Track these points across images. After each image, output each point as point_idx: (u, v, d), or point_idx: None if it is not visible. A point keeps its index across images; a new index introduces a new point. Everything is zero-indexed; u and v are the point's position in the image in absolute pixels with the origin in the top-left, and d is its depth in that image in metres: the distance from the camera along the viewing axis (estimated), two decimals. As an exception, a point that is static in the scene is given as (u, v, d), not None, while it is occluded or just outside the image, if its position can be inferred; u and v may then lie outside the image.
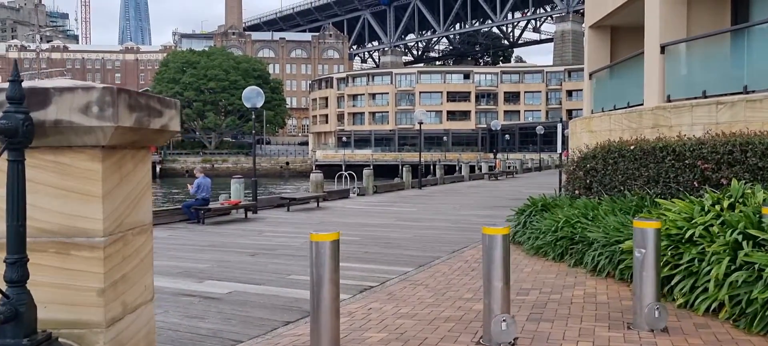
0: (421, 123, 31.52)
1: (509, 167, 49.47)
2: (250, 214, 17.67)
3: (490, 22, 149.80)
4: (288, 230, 14.70)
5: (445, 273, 9.00)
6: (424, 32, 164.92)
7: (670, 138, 9.73)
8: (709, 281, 6.04)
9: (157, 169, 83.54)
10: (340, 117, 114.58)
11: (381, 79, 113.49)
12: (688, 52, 12.42)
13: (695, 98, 11.07)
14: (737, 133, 8.56)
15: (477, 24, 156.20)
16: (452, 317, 6.32)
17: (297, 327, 6.25)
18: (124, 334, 3.06)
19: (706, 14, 12.85)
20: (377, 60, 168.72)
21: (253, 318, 6.70)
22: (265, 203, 20.33)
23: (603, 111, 14.98)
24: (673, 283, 6.53)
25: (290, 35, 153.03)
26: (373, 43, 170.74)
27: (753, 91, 9.91)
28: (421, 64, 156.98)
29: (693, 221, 6.81)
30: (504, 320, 5.12)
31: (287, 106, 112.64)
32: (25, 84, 2.72)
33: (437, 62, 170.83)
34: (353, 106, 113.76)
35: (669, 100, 11.85)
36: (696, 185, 8.62)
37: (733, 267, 5.85)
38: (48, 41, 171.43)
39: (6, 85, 2.53)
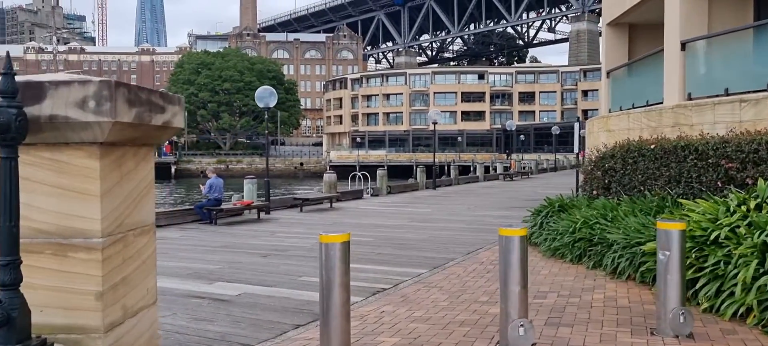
0: (435, 123, 31.30)
1: (524, 168, 49.10)
2: (262, 214, 17.55)
3: (504, 22, 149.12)
4: (300, 231, 14.55)
5: (459, 275, 8.79)
6: (438, 33, 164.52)
7: (691, 137, 9.45)
8: (736, 284, 5.79)
9: (173, 169, 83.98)
10: (355, 118, 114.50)
11: (395, 80, 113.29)
12: (710, 49, 12.12)
13: (717, 96, 10.77)
14: (762, 131, 8.27)
15: (492, 24, 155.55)
16: (467, 321, 6.11)
17: (307, 331, 6.08)
18: (125, 339, 2.91)
19: (728, 10, 12.54)
20: (391, 61, 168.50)
21: (263, 321, 6.53)
22: (277, 203, 20.21)
23: (621, 110, 14.68)
24: (697, 286, 6.28)
25: (304, 36, 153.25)
26: (387, 43, 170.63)
27: (778, 89, 9.61)
28: (436, 65, 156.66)
29: (718, 223, 6.56)
30: (522, 325, 4.92)
31: (301, 107, 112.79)
32: (20, 78, 2.59)
33: (451, 63, 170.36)
34: (367, 106, 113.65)
35: (690, 99, 11.55)
36: (720, 185, 8.34)
37: (761, 270, 5.61)
38: (65, 43, 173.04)
39: (-2, 78, 2.38)
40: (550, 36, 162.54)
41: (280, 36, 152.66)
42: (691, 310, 5.63)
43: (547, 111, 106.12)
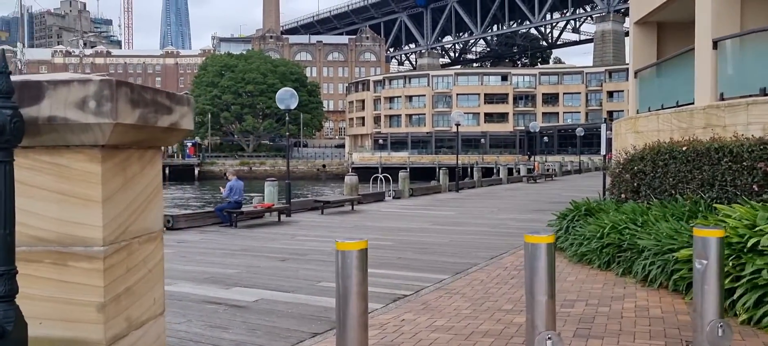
0: (458, 125, 30.98)
1: (548, 170, 48.49)
2: (283, 217, 17.41)
3: (528, 23, 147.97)
4: (320, 234, 14.37)
5: (483, 281, 8.53)
6: (461, 34, 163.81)
7: (725, 138, 9.08)
8: (777, 295, 5.46)
9: (196, 171, 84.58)
10: (377, 119, 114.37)
11: (418, 82, 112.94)
12: (743, 47, 11.69)
13: (751, 96, 10.36)
14: (802, 132, 7.90)
15: (515, 25, 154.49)
16: (491, 331, 5.85)
17: (325, 340, 5.86)
18: (130, 352, 2.73)
19: (761, 7, 12.11)
20: (414, 62, 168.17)
21: (280, 329, 6.33)
22: (298, 206, 20.08)
23: (649, 111, 14.29)
24: (735, 297, 5.95)
25: (327, 38, 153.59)
26: (409, 45, 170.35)
27: (817, 88, 9.19)
28: (458, 66, 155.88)
29: (756, 229, 6.21)
30: (549, 338, 4.65)
31: (324, 109, 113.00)
32: (18, 77, 2.43)
33: (474, 64, 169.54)
34: (390, 108, 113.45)
35: (722, 99, 11.15)
36: (756, 189, 7.98)
37: (805, 280, 5.27)
38: (92, 46, 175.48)
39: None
40: (575, 36, 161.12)
41: (303, 38, 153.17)
42: (729, 322, 5.31)
43: (571, 112, 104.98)
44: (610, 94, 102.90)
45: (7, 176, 2.26)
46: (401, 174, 26.82)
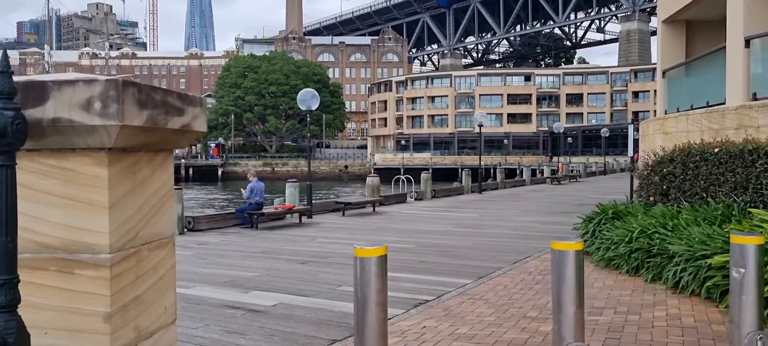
0: (481, 126, 30.69)
1: (572, 171, 47.90)
2: (304, 219, 17.30)
3: (551, 23, 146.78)
4: (342, 237, 14.23)
5: (506, 286, 8.30)
6: (483, 34, 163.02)
7: (759, 139, 8.75)
8: (819, 305, 5.17)
9: (220, 172, 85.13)
10: (399, 120, 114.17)
11: (440, 82, 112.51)
12: (776, 45, 11.31)
13: (786, 96, 10.02)
14: (842, 133, 7.56)
15: (538, 25, 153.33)
16: (516, 340, 5.64)
17: (343, 347, 5.70)
18: (139, 363, 2.60)
19: (796, 4, 11.70)
20: (436, 63, 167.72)
21: (297, 335, 6.18)
22: (319, 207, 19.96)
23: (678, 111, 13.92)
24: (773, 306, 5.66)
25: (350, 39, 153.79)
26: (432, 46, 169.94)
27: None
28: (481, 67, 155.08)
29: (796, 235, 5.92)
30: (578, 350, 4.43)
31: (346, 110, 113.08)
32: (22, 78, 2.31)
33: (497, 65, 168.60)
34: (412, 109, 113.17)
35: (755, 99, 10.79)
36: (793, 193, 7.65)
37: None
38: (117, 49, 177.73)
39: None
40: (599, 36, 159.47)
41: (326, 39, 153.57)
42: (768, 333, 5.04)
43: (596, 113, 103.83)
44: (636, 94, 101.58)
45: (9, 181, 2.15)
46: (423, 175, 26.60)
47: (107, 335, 2.41)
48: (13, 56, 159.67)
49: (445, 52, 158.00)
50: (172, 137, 2.74)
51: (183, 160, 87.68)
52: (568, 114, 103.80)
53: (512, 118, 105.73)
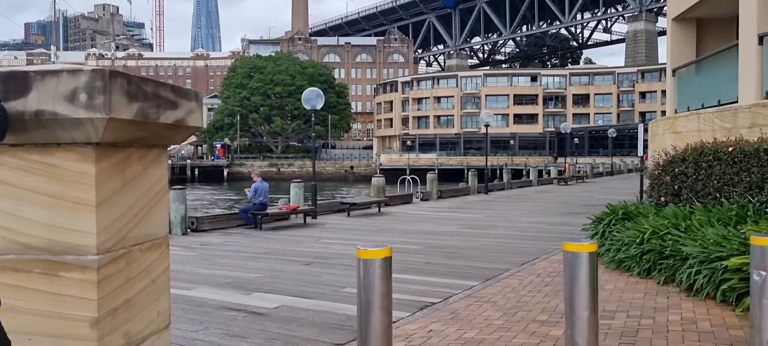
0: (487, 126, 30.47)
1: (579, 172, 47.59)
2: (309, 219, 17.13)
3: (558, 23, 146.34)
4: (346, 237, 14.04)
5: (514, 288, 8.10)
6: (490, 35, 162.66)
7: (774, 139, 8.52)
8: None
9: (225, 172, 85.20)
10: (405, 121, 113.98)
11: (446, 83, 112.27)
12: (790, 42, 11.07)
13: (801, 94, 9.78)
14: None
15: (545, 26, 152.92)
16: (526, 345, 5.44)
17: (347, 352, 5.51)
18: (129, 371, 2.45)
19: (811, 0, 11.46)
20: (442, 63, 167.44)
21: (300, 339, 5.99)
22: (324, 207, 19.79)
23: (689, 110, 13.69)
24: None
25: (355, 40, 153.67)
26: (438, 46, 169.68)
27: None
28: (487, 67, 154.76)
29: (816, 236, 5.70)
30: (591, 356, 4.23)
31: (352, 111, 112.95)
32: (2, 69, 2.17)
33: (503, 65, 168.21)
34: (418, 109, 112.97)
35: (769, 97, 10.56)
36: (810, 193, 7.43)
37: None
38: (124, 49, 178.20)
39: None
40: (606, 37, 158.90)
41: (331, 40, 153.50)
42: (789, 339, 4.83)
43: (603, 113, 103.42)
44: (643, 94, 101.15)
45: (-12, 177, 2.00)
46: (429, 176, 26.39)
47: (94, 341, 2.28)
48: (20, 57, 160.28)
49: (451, 52, 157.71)
50: (165, 132, 2.57)
51: (189, 161, 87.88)
52: (574, 115, 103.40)
53: (518, 118, 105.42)
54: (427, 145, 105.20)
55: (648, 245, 8.25)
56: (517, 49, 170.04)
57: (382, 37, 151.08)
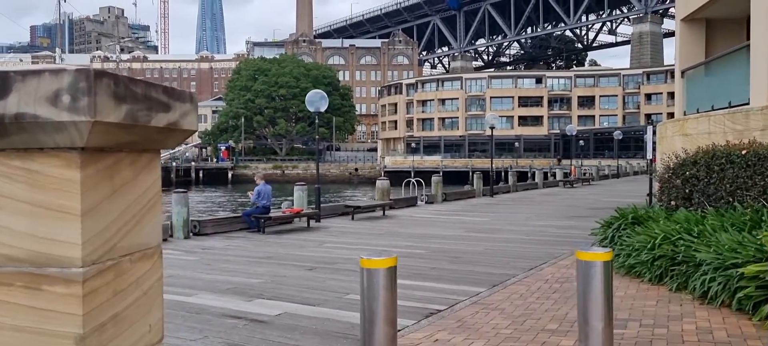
0: (492, 128, 30.25)
1: (585, 174, 47.31)
2: (312, 222, 16.95)
3: (563, 25, 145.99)
4: (350, 241, 13.85)
5: (522, 295, 7.90)
6: (494, 37, 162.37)
7: (789, 141, 8.31)
8: None
9: (230, 175, 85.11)
10: (410, 123, 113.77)
11: (451, 85, 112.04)
12: (803, 43, 10.85)
13: (816, 95, 9.56)
14: None
15: (549, 27, 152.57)
16: (536, 356, 5.25)
17: (350, 363, 5.32)
18: (118, 390, 2.23)
19: (824, 0, 11.24)
20: (447, 66, 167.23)
21: (302, 348, 5.81)
22: (328, 211, 19.60)
23: (698, 112, 13.48)
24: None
25: (360, 42, 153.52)
26: (442, 48, 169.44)
27: None
28: (492, 69, 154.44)
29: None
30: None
31: (357, 113, 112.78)
32: None
33: (508, 67, 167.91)
34: (423, 111, 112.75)
35: (782, 99, 10.34)
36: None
37: None
38: (129, 52, 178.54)
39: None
40: (611, 38, 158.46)
41: (336, 42, 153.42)
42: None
43: (608, 115, 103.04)
44: (648, 96, 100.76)
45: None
46: (434, 178, 26.17)
47: (78, 359, 2.07)
48: (26, 60, 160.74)
49: (456, 54, 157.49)
50: (157, 136, 2.38)
51: (193, 163, 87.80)
52: (579, 116, 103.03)
53: (523, 120, 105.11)
54: (431, 147, 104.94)
55: (659, 251, 8.04)
56: (522, 51, 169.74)
57: (386, 40, 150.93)
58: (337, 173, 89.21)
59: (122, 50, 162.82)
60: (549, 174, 52.11)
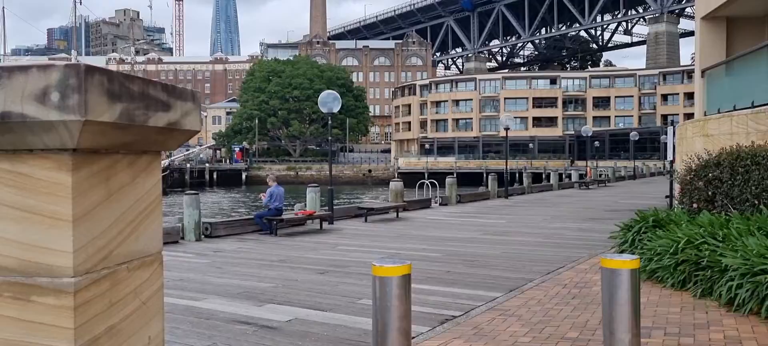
0: (507, 129, 29.96)
1: (601, 175, 46.81)
2: (325, 225, 16.77)
3: (578, 25, 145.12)
4: (363, 244, 13.66)
5: (540, 300, 7.66)
6: (508, 38, 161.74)
7: (818, 142, 8.01)
8: None
9: (244, 176, 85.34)
10: (423, 124, 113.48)
11: (465, 86, 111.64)
12: (830, 41, 10.53)
13: (844, 94, 9.24)
14: None
15: (564, 28, 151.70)
16: (556, 366, 5.02)
17: (362, 372, 5.12)
18: (113, 407, 2.08)
19: None
20: (461, 67, 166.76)
21: (312, 357, 5.62)
22: (341, 213, 19.41)
23: (719, 112, 13.15)
24: None
25: (374, 43, 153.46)
26: (456, 49, 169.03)
27: None
28: (506, 70, 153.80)
29: None
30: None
31: (370, 114, 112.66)
32: None
33: (522, 68, 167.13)
34: (436, 113, 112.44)
35: (808, 98, 10.02)
36: None
37: None
38: (144, 54, 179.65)
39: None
40: (626, 39, 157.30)
41: (350, 43, 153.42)
42: None
43: (624, 116, 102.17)
44: (665, 97, 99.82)
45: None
46: (448, 180, 25.92)
47: (69, 376, 1.90)
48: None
49: (470, 55, 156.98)
50: (156, 137, 2.20)
51: (207, 165, 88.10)
52: (594, 117, 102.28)
53: (538, 121, 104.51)
54: (445, 148, 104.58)
55: (682, 255, 7.77)
56: (536, 52, 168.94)
57: (400, 41, 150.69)
58: (350, 174, 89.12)
59: (137, 52, 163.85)
60: (563, 175, 51.62)
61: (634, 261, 3.93)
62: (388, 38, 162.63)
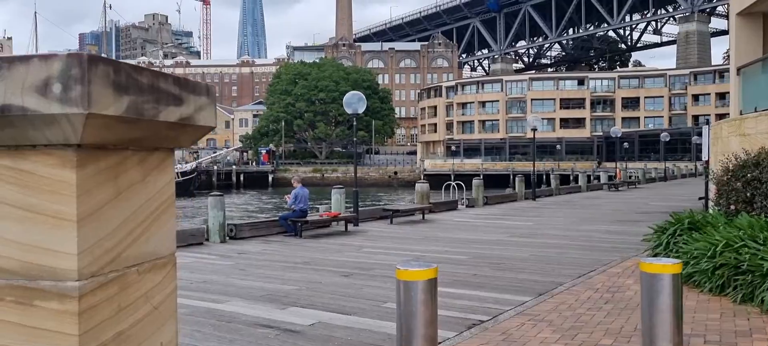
0: (534, 130, 29.56)
1: (631, 177, 46.02)
2: (350, 226, 16.62)
3: (606, 25, 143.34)
4: (389, 246, 13.48)
5: (571, 305, 7.40)
6: (535, 38, 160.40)
7: None
8: None
9: (270, 178, 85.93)
10: (449, 126, 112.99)
11: (491, 87, 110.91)
12: None
13: None
14: None
15: (592, 28, 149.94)
16: (590, 375, 4.78)
17: (387, 380, 4.94)
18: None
19: None
20: (487, 68, 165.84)
21: (335, 362, 5.45)
22: (366, 214, 19.25)
23: (756, 111, 12.72)
24: None
25: (399, 45, 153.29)
26: (482, 50, 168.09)
27: None
28: (533, 71, 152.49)
29: None
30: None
31: (396, 116, 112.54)
32: None
33: (549, 69, 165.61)
34: (462, 114, 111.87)
35: None
36: None
37: None
38: (172, 57, 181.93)
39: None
40: (656, 38, 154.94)
41: (375, 45, 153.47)
42: None
43: (653, 117, 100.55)
44: (696, 97, 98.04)
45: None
46: (474, 181, 25.63)
47: (73, 385, 1.75)
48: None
49: (496, 56, 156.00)
50: (167, 132, 2.04)
51: (234, 167, 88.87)
52: (623, 118, 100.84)
53: (565, 123, 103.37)
54: (471, 150, 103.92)
55: (721, 259, 7.46)
56: (563, 53, 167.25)
57: (426, 42, 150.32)
58: (376, 176, 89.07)
59: (166, 56, 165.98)
60: (592, 177, 50.89)
61: (675, 266, 3.69)
62: (413, 40, 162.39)
